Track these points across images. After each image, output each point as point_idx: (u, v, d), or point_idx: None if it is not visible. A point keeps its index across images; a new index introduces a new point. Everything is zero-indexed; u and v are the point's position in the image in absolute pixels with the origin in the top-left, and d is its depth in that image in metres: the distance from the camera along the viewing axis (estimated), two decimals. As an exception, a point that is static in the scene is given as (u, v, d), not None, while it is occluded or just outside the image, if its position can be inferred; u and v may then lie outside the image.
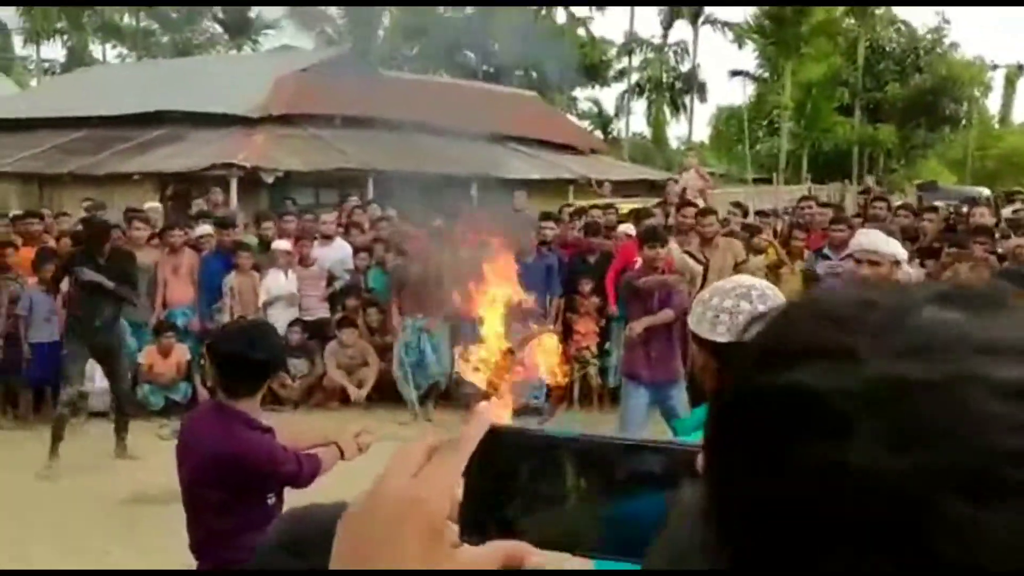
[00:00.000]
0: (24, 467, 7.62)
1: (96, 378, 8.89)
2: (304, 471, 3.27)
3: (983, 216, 9.79)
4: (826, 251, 9.31)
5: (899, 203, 12.76)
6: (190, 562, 3.45)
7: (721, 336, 1.96)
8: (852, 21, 36.21)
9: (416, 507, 0.62)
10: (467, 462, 0.65)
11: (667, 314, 6.67)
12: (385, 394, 9.42)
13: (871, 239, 4.32)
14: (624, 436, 0.69)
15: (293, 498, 3.42)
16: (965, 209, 12.01)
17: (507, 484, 0.66)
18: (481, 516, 0.66)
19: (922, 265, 8.68)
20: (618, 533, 0.65)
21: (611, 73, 45.84)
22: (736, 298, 1.95)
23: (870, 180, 22.99)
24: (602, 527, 0.65)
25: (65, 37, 42.79)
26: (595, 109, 47.29)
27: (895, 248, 4.27)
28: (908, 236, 9.06)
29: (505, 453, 0.67)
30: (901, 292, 0.48)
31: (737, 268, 9.24)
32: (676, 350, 6.60)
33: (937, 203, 14.56)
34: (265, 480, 3.25)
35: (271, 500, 3.32)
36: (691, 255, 9.41)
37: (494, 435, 0.67)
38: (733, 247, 9.42)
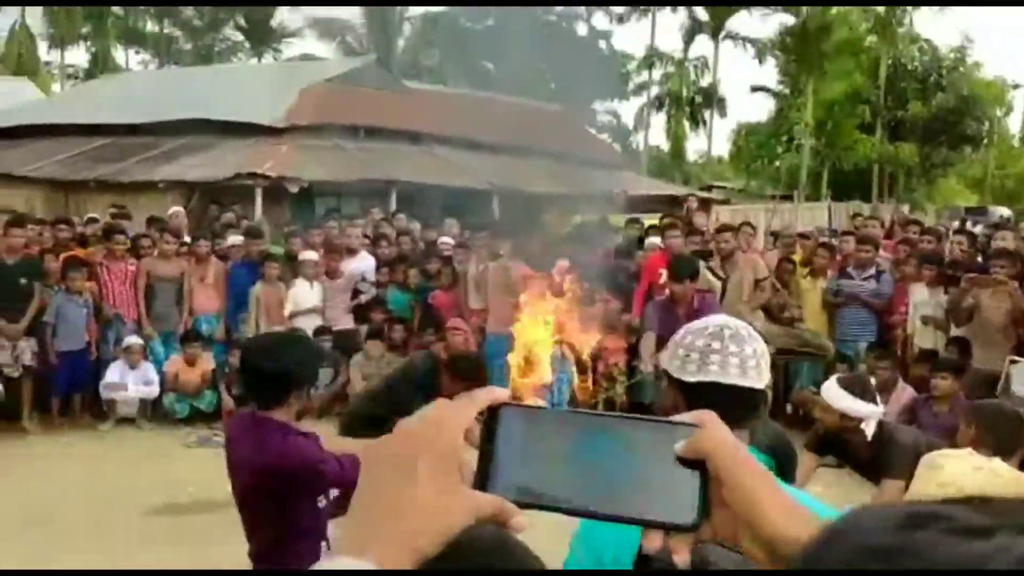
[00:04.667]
0: (51, 473, 7.70)
1: (130, 385, 9.00)
2: (347, 470, 3.27)
3: (1004, 240, 9.74)
4: (850, 270, 9.35)
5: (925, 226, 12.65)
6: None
7: (689, 375, 1.92)
8: (874, 39, 36.14)
9: (428, 438, 0.69)
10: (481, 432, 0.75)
11: None
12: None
13: (831, 395, 4.54)
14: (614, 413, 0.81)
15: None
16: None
17: (511, 450, 0.75)
18: (484, 477, 0.74)
19: (945, 291, 8.67)
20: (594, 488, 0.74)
21: (631, 87, 45.92)
22: (708, 337, 1.92)
23: (901, 208, 22.82)
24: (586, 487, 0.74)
25: (88, 43, 43.17)
26: (614, 122, 47.37)
27: (849, 404, 4.46)
28: (928, 259, 9.07)
29: (515, 424, 0.76)
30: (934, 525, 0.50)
31: (758, 285, 9.26)
32: None
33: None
34: (311, 483, 3.27)
35: (322, 503, 3.36)
36: (711, 270, 9.46)
37: (502, 408, 0.76)
38: (752, 263, 9.43)
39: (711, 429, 0.75)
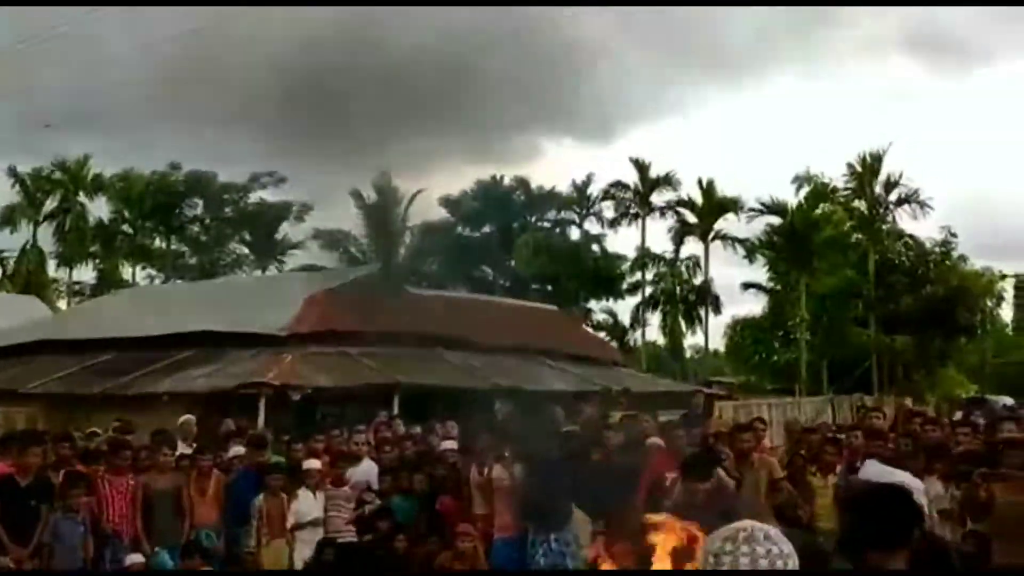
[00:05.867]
0: None
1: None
2: None
3: (1011, 431, 9.66)
4: (859, 465, 9.20)
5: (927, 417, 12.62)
6: None
7: None
8: (861, 236, 37.30)
9: None
10: None
11: None
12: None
13: (878, 471, 4.49)
14: None
15: None
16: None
17: None
18: None
19: (957, 487, 8.50)
20: None
21: (625, 286, 46.95)
22: (723, 540, 2.01)
23: (903, 401, 22.83)
24: None
25: (97, 260, 44.42)
26: (611, 320, 48.08)
27: (901, 478, 4.43)
28: (937, 453, 8.96)
29: None
30: None
31: (773, 486, 9.11)
32: None
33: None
34: None
35: None
36: (725, 471, 9.33)
37: None
38: (768, 465, 9.32)
39: None
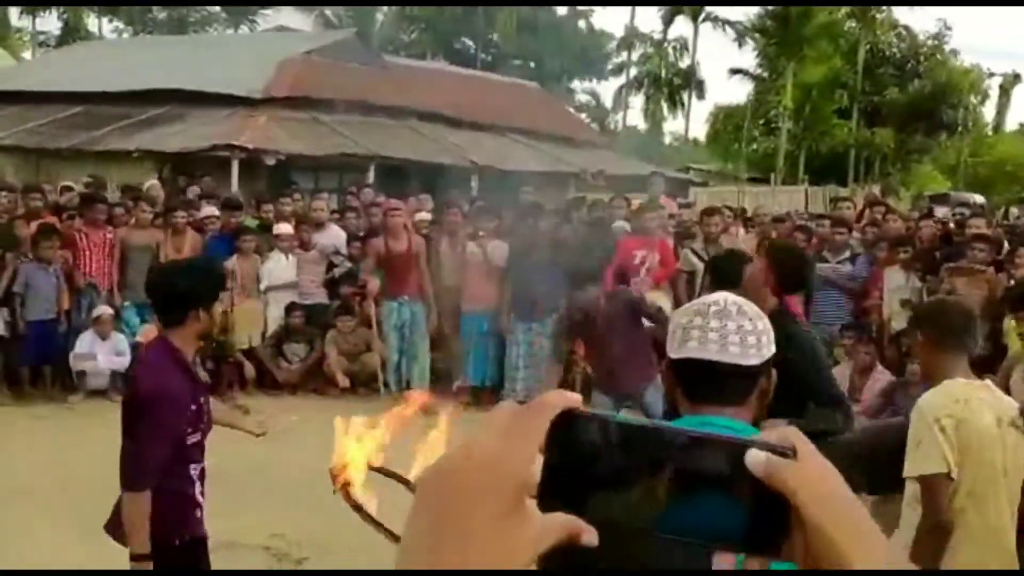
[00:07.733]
0: (22, 445, 7.60)
1: (99, 356, 8.89)
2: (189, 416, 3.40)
3: (979, 228, 9.85)
4: (825, 253, 9.39)
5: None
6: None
7: (674, 352, 1.89)
8: (854, 24, 36.23)
9: (501, 467, 0.65)
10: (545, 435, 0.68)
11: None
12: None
13: None
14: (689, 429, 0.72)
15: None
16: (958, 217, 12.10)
17: (579, 462, 0.69)
18: (553, 488, 0.69)
19: (923, 280, 8.70)
20: (679, 519, 0.68)
21: (609, 67, 45.87)
22: (692, 314, 1.88)
23: (875, 189, 22.95)
24: (664, 511, 0.68)
25: (61, 9, 42.40)
26: (593, 102, 47.34)
27: None
28: (901, 243, 9.15)
29: (579, 433, 0.69)
30: None
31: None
32: (634, 364, 6.28)
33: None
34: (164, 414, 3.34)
35: (194, 438, 3.45)
36: (695, 252, 9.50)
37: (570, 416, 0.70)
38: (737, 246, 9.47)
39: (804, 464, 0.67)
